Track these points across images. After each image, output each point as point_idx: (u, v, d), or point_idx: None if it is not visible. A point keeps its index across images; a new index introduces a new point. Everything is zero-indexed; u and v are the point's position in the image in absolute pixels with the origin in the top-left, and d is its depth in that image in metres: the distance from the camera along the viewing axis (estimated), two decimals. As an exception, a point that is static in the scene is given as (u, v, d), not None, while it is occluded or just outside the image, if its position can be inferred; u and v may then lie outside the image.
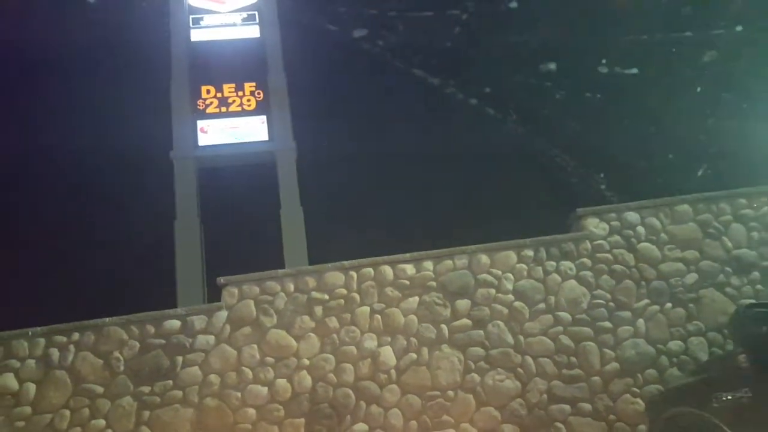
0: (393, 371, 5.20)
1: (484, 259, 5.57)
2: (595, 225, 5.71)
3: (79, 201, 12.15)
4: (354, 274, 5.47)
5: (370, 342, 5.27)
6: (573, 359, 5.33)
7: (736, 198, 5.85)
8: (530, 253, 5.60)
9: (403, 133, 12.03)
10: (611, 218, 5.75)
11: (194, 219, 11.98)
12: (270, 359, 5.18)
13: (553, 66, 11.75)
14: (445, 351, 5.25)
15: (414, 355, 5.24)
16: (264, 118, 12.78)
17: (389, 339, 5.28)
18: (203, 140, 12.64)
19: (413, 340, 5.30)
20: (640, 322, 5.46)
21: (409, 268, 5.52)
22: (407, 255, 5.57)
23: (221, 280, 5.41)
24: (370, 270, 5.49)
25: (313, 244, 11.66)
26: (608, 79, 11.59)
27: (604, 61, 11.64)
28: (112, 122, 12.77)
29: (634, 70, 11.67)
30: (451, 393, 5.19)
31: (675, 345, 5.39)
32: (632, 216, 5.76)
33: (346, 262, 5.52)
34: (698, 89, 11.48)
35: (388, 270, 5.49)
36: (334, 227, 12.00)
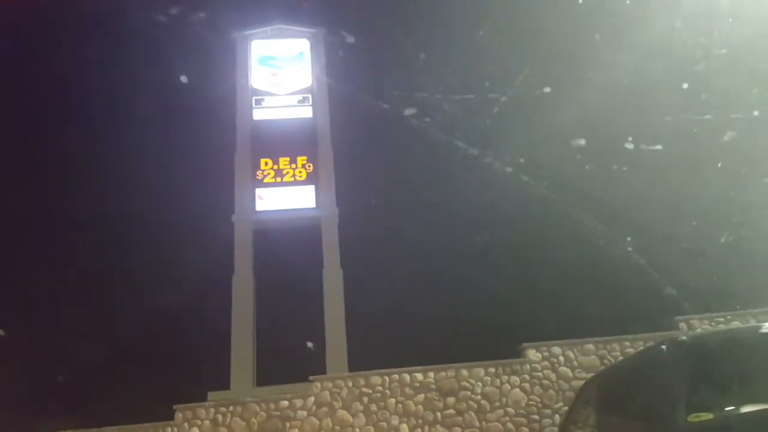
0: (407, 439, 10.09)
1: (465, 372, 10.31)
2: (533, 354, 10.43)
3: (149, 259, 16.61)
4: (387, 378, 10.27)
5: (395, 420, 10.04)
6: (514, 437, 10.22)
7: (622, 341, 10.45)
8: (493, 370, 10.37)
9: (439, 198, 15.55)
10: (543, 350, 10.40)
11: (249, 273, 15.63)
12: (338, 428, 9.97)
13: (583, 142, 14.75)
14: (439, 429, 10.06)
15: (420, 431, 10.20)
16: (313, 188, 16.45)
17: (406, 419, 10.02)
18: (260, 206, 16.33)
19: (420, 420, 10.03)
20: (557, 416, 10.14)
21: (419, 376, 10.29)
22: (419, 367, 10.31)
23: (311, 377, 10.37)
24: (397, 376, 10.28)
25: (349, 300, 16.26)
26: (634, 154, 14.51)
27: (630, 138, 14.60)
28: (185, 189, 16.77)
29: (659, 147, 14.40)
30: (440, 456, 10.00)
31: None
32: (556, 349, 10.45)
33: (382, 370, 10.34)
34: (719, 165, 14.11)
35: (407, 376, 10.29)
36: (368, 286, 16.27)
